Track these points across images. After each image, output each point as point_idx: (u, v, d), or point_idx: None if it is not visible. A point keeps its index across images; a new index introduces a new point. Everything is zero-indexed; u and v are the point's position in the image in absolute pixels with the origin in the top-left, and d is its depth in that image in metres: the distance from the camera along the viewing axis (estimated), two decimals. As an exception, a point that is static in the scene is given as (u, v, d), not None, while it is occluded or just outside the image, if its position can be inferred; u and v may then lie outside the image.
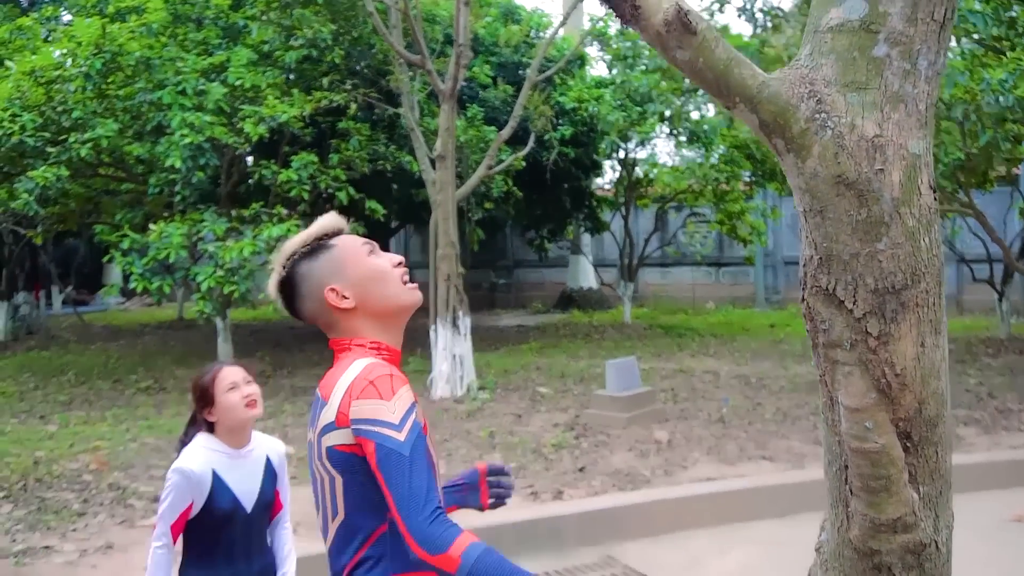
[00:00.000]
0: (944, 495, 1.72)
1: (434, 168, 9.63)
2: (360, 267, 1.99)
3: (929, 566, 1.71)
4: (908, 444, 1.64)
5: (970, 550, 5.25)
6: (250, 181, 10.71)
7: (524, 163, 11.76)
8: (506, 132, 10.19)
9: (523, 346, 13.81)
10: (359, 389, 1.83)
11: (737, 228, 15.74)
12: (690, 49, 1.55)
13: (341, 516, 1.89)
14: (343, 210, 12.88)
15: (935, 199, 1.59)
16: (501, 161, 11.25)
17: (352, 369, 1.89)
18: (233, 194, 11.55)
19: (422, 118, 11.43)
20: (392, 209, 13.61)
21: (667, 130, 14.98)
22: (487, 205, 13.25)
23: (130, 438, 8.04)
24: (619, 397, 8.20)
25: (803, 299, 1.67)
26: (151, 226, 9.72)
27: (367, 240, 2.05)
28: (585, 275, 19.36)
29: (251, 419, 2.87)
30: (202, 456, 2.82)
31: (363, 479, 1.84)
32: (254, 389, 2.88)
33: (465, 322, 9.70)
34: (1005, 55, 7.79)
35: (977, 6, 7.21)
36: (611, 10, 1.55)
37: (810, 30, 1.62)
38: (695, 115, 15.25)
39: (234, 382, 2.84)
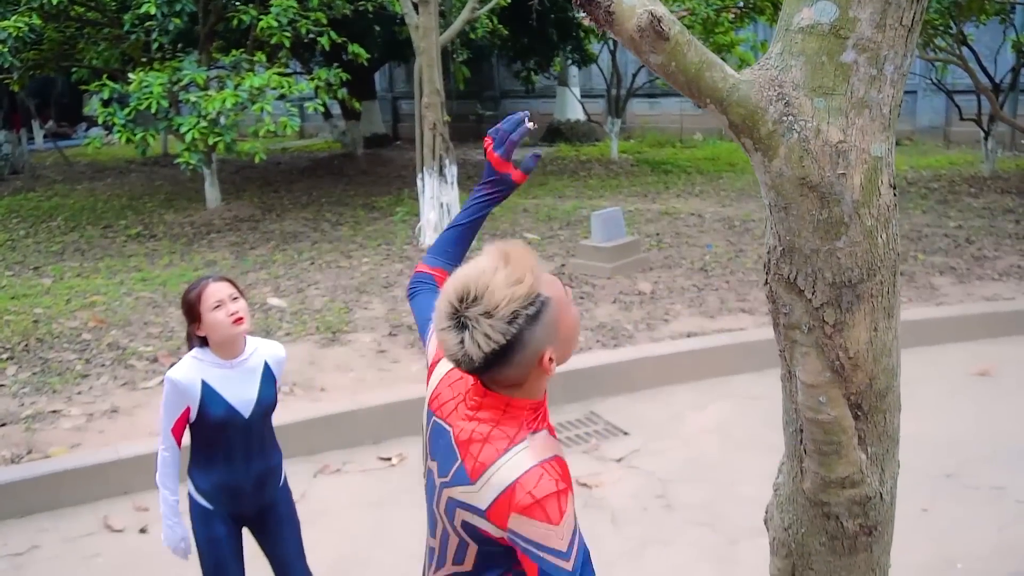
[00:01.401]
0: (890, 451, 1.89)
1: (417, 12, 9.39)
2: (568, 325, 1.73)
3: (873, 513, 1.89)
4: (859, 413, 1.78)
5: (936, 404, 5.59)
6: (230, 25, 10.41)
7: (509, 0, 11.44)
8: (491, -28, 9.87)
9: (510, 186, 13.82)
10: (523, 504, 1.60)
11: (727, 60, 15.47)
12: (663, 54, 1.59)
13: (467, 568, 1.75)
14: (325, 55, 12.71)
15: (894, 195, 1.67)
16: (485, 1, 10.94)
17: (512, 462, 1.64)
18: (212, 35, 11.27)
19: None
20: (375, 50, 13.29)
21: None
22: (472, 35, 12.93)
23: (125, 291, 8.21)
24: (604, 247, 8.35)
25: (767, 283, 1.77)
26: (130, 75, 9.55)
27: (564, 282, 1.77)
28: (572, 107, 19.12)
29: (239, 335, 2.98)
30: (190, 367, 2.96)
31: (502, 561, 1.71)
32: (241, 305, 2.96)
33: (452, 170, 9.71)
34: None
35: None
36: (586, 15, 1.57)
37: (782, 27, 1.64)
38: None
39: (220, 300, 2.92)
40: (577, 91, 19.07)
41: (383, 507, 4.76)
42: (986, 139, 12.94)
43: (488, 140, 2.08)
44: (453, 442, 1.69)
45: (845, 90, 1.58)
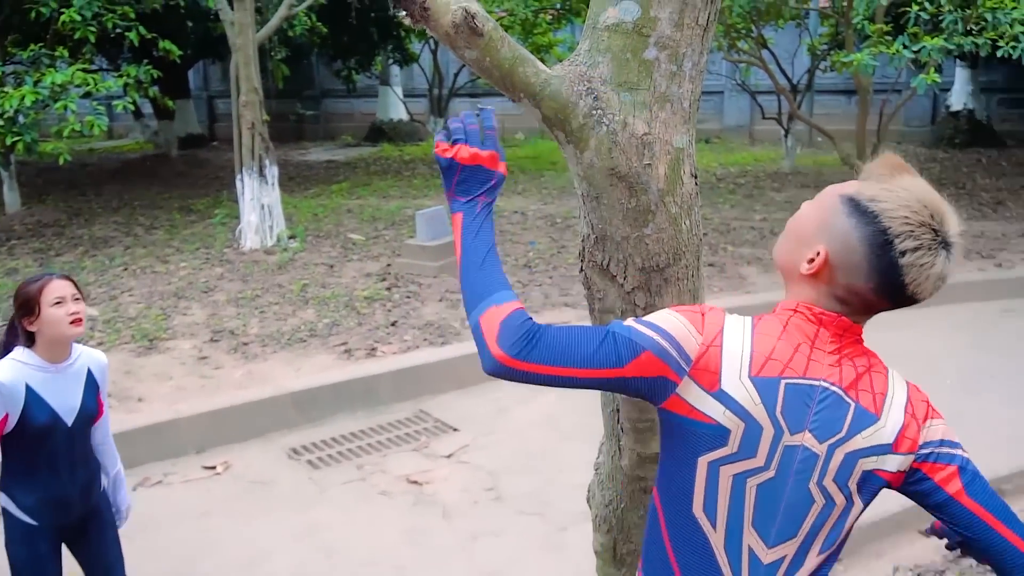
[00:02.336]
0: (700, 427, 2.00)
1: (232, 8, 9.14)
2: None
3: (686, 486, 2.00)
4: (670, 392, 1.88)
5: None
6: (27, 17, 9.80)
7: (327, -3, 11.32)
8: (307, -31, 9.72)
9: (333, 186, 13.67)
10: (926, 408, 1.58)
11: (545, 61, 15.81)
12: (477, 49, 1.63)
13: (832, 549, 1.60)
14: (134, 51, 12.16)
15: (696, 184, 1.77)
16: (303, -2, 10.77)
17: (896, 380, 1.59)
18: (5, 27, 10.58)
19: (215, -52, 10.69)
20: (188, 46, 12.82)
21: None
22: (291, 33, 12.67)
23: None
24: (429, 246, 8.39)
25: (581, 269, 1.85)
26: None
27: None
28: (395, 107, 19.07)
29: (73, 336, 2.85)
30: (14, 369, 2.79)
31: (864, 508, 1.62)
32: (81, 307, 2.84)
33: (272, 171, 9.51)
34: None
35: None
36: (403, 11, 1.59)
37: (589, 25, 1.72)
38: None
39: (61, 296, 2.79)
40: (399, 91, 19.02)
41: (210, 517, 4.63)
42: (786, 137, 13.80)
43: (448, 147, 1.63)
44: (837, 390, 1.53)
45: (649, 85, 1.67)
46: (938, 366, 6.10)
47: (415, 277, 8.21)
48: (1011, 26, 7.24)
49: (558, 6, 14.47)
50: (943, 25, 7.67)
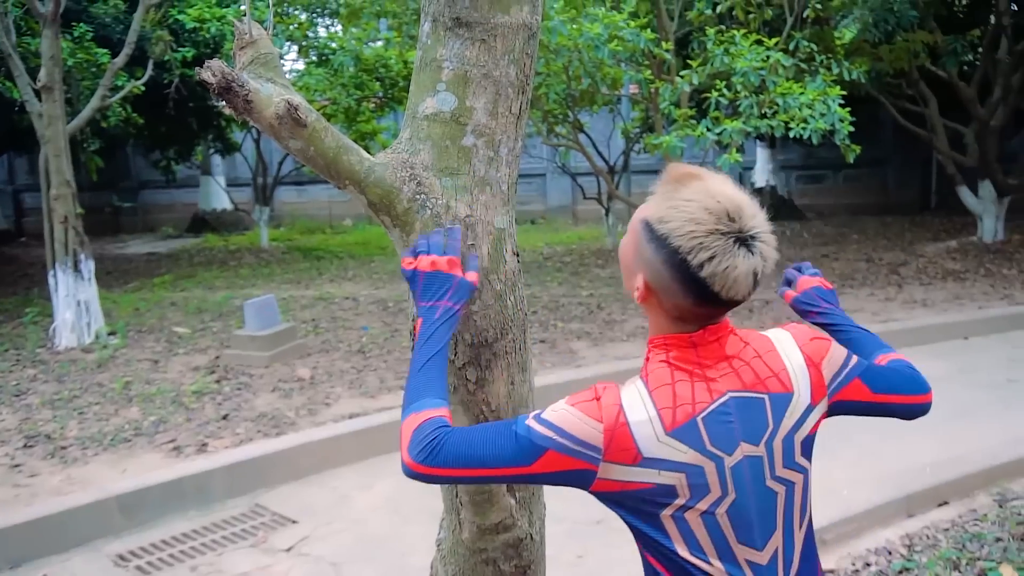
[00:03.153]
0: (536, 494, 2.07)
1: (40, 100, 8.83)
2: None
3: (526, 553, 2.06)
4: (505, 462, 1.95)
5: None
6: None
7: (144, 87, 11.06)
8: (121, 60, 9.51)
9: (155, 279, 13.23)
10: (814, 347, 1.66)
11: (370, 148, 15.98)
12: (302, 139, 1.68)
13: (808, 515, 1.66)
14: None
15: (518, 262, 1.87)
16: (118, 88, 10.52)
17: (781, 340, 1.65)
18: None
19: (20, 39, 10.33)
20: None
21: (295, 51, 14.73)
22: (105, 124, 12.30)
23: None
24: (259, 336, 8.23)
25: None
26: None
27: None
28: (218, 196, 18.74)
29: None
30: None
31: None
32: None
33: (88, 265, 9.14)
34: (604, 1, 8.57)
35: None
36: (225, 103, 1.63)
37: (409, 115, 1.81)
38: (322, 32, 15.13)
39: None
40: (222, 180, 18.74)
41: (27, 636, 4.32)
42: (607, 215, 14.40)
43: (412, 259, 1.73)
44: (745, 393, 1.56)
45: (468, 170, 1.77)
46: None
47: (246, 368, 8.01)
48: (800, 109, 7.90)
49: (380, 94, 14.70)
50: (741, 109, 8.28)
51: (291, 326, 8.74)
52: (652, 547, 1.60)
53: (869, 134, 13.15)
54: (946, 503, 5.20)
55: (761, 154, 17.63)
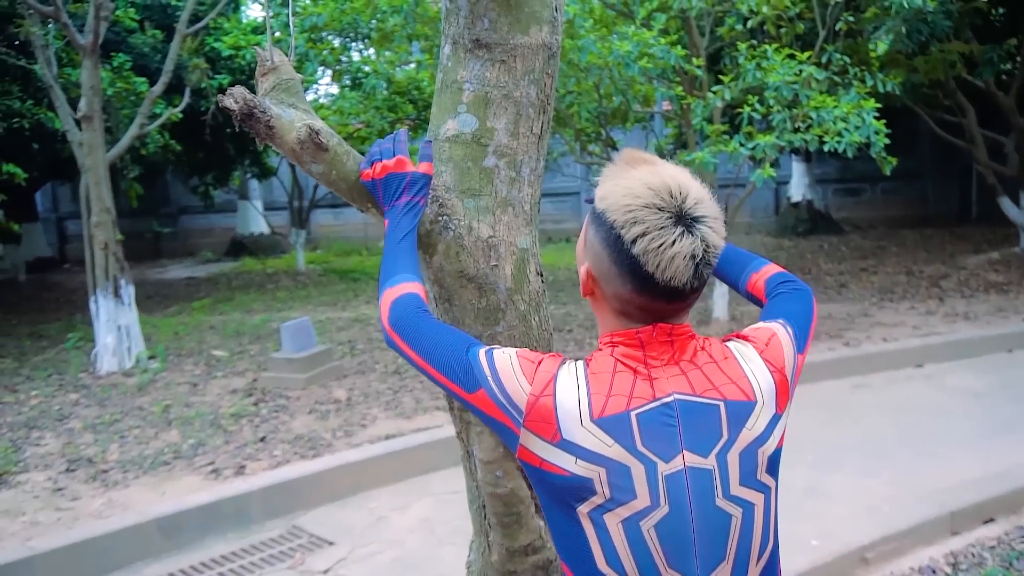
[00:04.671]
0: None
1: (80, 129, 9.00)
2: None
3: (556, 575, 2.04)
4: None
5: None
6: None
7: (181, 115, 11.24)
8: (158, 88, 9.67)
9: (194, 303, 13.38)
10: (774, 350, 1.54)
11: (404, 170, 16.04)
12: (323, 163, 1.70)
13: (770, 545, 1.48)
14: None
15: (542, 282, 1.87)
16: (156, 116, 10.69)
17: (743, 350, 1.53)
18: None
19: (61, 70, 10.55)
20: (34, 168, 12.47)
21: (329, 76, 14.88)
22: (144, 151, 12.49)
23: None
24: (296, 358, 8.29)
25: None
26: None
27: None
28: (255, 221, 18.95)
29: None
30: None
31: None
32: None
33: (129, 290, 9.27)
34: (634, 19, 8.57)
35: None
36: (248, 130, 1.65)
37: (431, 137, 1.82)
38: (356, 56, 15.26)
39: None
40: (259, 204, 18.95)
41: (68, 659, 4.36)
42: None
43: (368, 171, 1.77)
44: (694, 398, 1.42)
45: (490, 191, 1.77)
46: (797, 444, 6.35)
47: (283, 391, 8.07)
48: (834, 123, 7.82)
49: (413, 116, 14.79)
50: (774, 123, 8.23)
51: (327, 348, 8.79)
52: (568, 552, 1.46)
53: (906, 146, 13.00)
54: (992, 520, 5.09)
55: (797, 168, 17.49)
